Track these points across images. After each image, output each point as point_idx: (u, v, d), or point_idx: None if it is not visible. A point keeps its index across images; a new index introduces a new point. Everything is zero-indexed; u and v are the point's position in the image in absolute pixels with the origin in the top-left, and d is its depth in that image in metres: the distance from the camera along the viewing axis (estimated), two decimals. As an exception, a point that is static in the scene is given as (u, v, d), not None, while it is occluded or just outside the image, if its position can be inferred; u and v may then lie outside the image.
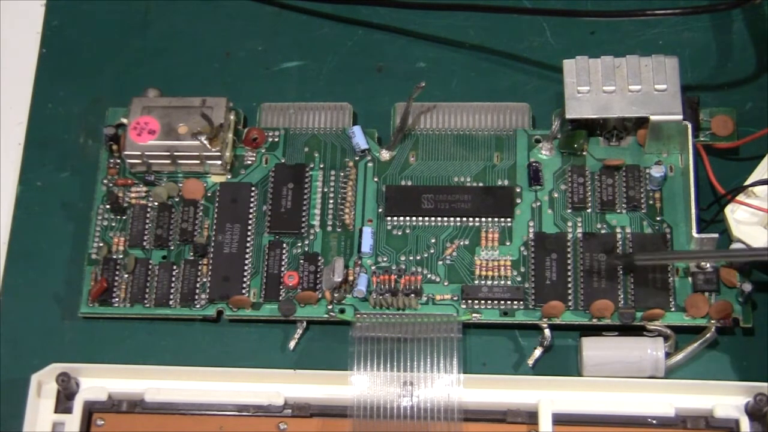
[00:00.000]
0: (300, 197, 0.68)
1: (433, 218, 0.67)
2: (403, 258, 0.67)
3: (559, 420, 0.62)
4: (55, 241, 0.69)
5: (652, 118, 0.66)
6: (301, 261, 0.67)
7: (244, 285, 0.66)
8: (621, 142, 0.68)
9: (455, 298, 0.66)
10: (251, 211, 0.68)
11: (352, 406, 0.62)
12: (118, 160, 0.70)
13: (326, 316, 0.66)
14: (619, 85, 0.66)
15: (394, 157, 0.69)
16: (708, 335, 0.64)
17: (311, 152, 0.70)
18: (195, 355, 0.66)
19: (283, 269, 0.67)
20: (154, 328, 0.67)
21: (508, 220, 0.67)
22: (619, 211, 0.67)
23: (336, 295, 0.66)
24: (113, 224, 0.69)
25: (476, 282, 0.66)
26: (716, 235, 0.64)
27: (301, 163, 0.69)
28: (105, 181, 0.70)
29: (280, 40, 0.75)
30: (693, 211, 0.64)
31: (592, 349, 0.63)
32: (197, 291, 0.67)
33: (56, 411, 0.64)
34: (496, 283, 0.66)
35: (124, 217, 0.69)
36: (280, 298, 0.66)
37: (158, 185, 0.69)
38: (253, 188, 0.69)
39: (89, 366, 0.64)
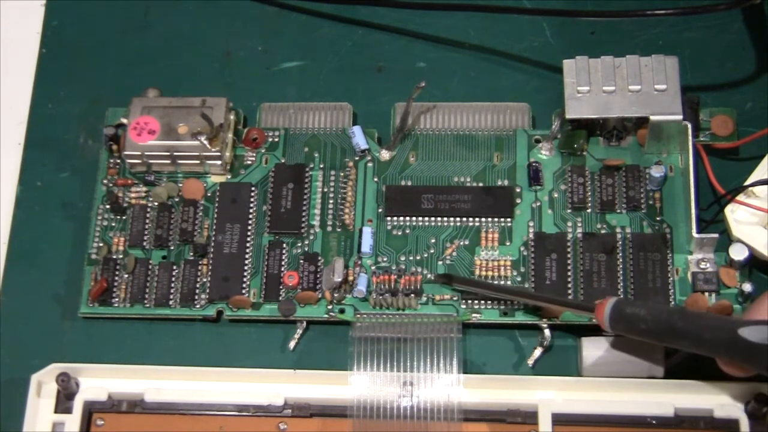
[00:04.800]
0: (300, 197, 0.68)
1: (433, 218, 0.67)
2: (403, 258, 0.67)
3: (558, 420, 0.62)
4: (55, 241, 0.69)
5: (652, 118, 0.66)
6: (301, 261, 0.67)
7: (244, 285, 0.67)
8: (621, 142, 0.68)
9: (455, 298, 0.66)
10: (251, 211, 0.68)
11: (352, 406, 0.62)
12: (118, 160, 0.70)
13: (326, 316, 0.66)
14: (619, 85, 0.66)
15: (394, 157, 0.69)
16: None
17: (311, 152, 0.70)
18: (195, 355, 0.66)
19: (283, 269, 0.67)
20: (154, 328, 0.67)
21: (508, 220, 0.67)
22: (619, 211, 0.67)
23: (336, 295, 0.66)
24: (113, 224, 0.69)
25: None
26: (716, 235, 0.64)
27: (301, 163, 0.69)
28: (105, 181, 0.70)
29: (280, 40, 0.75)
30: (693, 211, 0.64)
31: (592, 349, 0.63)
32: (197, 291, 0.67)
33: (56, 411, 0.64)
34: (496, 283, 0.66)
35: (124, 217, 0.69)
36: (280, 298, 0.66)
37: (158, 185, 0.69)
38: (253, 188, 0.69)
39: (89, 366, 0.64)
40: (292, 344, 0.66)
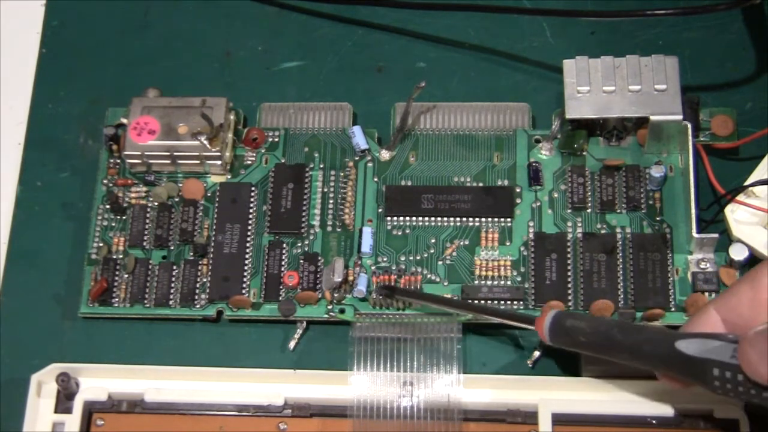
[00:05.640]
0: (300, 197, 0.68)
1: (433, 218, 0.67)
2: (403, 258, 0.67)
3: (558, 420, 0.62)
4: (55, 241, 0.69)
5: (652, 118, 0.66)
6: (301, 261, 0.67)
7: (244, 285, 0.67)
8: (621, 142, 0.68)
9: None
10: (251, 211, 0.68)
11: (352, 406, 0.62)
12: (118, 160, 0.70)
13: (326, 316, 0.66)
14: (619, 85, 0.66)
15: (394, 157, 0.69)
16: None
17: (311, 152, 0.70)
18: (195, 355, 0.66)
19: (283, 269, 0.67)
20: (154, 328, 0.67)
21: (508, 220, 0.67)
22: (619, 211, 0.67)
23: (336, 295, 0.66)
24: (113, 224, 0.69)
25: (476, 282, 0.66)
26: (716, 235, 0.64)
27: (301, 163, 0.69)
28: (105, 181, 0.70)
29: (280, 40, 0.75)
30: (693, 211, 0.64)
31: (592, 349, 0.63)
32: (197, 291, 0.67)
33: (56, 411, 0.64)
34: (496, 283, 0.66)
35: (124, 217, 0.69)
36: (280, 298, 0.66)
37: (158, 185, 0.69)
38: (253, 188, 0.69)
39: (89, 366, 0.64)
40: (292, 344, 0.66)
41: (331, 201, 0.68)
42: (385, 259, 0.67)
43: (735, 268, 0.64)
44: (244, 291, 0.66)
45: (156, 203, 0.69)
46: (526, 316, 0.62)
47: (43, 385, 0.64)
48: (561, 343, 0.59)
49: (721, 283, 0.64)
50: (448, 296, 0.65)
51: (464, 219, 0.67)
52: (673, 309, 0.64)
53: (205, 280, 0.67)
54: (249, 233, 0.68)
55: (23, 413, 0.63)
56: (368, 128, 0.70)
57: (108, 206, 0.69)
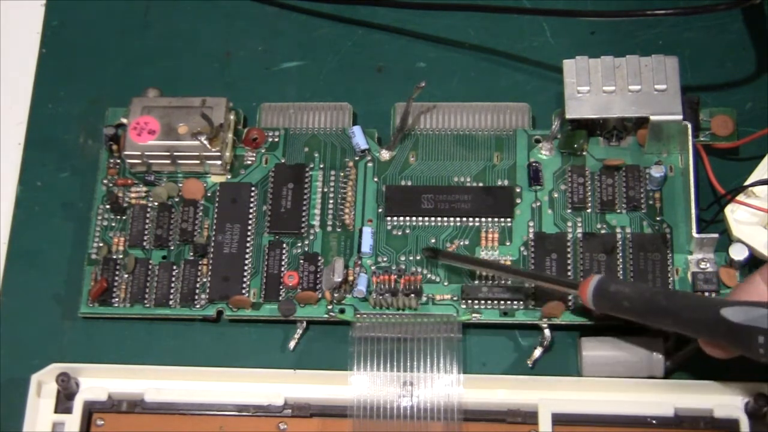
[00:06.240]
0: (300, 197, 0.68)
1: (433, 218, 0.67)
2: (403, 258, 0.67)
3: (558, 420, 0.62)
4: (55, 241, 0.69)
5: (652, 118, 0.66)
6: (301, 261, 0.67)
7: (244, 285, 0.67)
8: (621, 142, 0.68)
9: (455, 298, 0.66)
10: (251, 211, 0.68)
11: (352, 406, 0.62)
12: (118, 160, 0.70)
13: (326, 316, 0.66)
14: (619, 85, 0.66)
15: (394, 157, 0.69)
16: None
17: (311, 152, 0.70)
18: (195, 355, 0.66)
19: (283, 269, 0.67)
20: (154, 328, 0.67)
21: (508, 220, 0.67)
22: (619, 211, 0.67)
23: (336, 295, 0.66)
24: (113, 224, 0.69)
25: (476, 282, 0.66)
26: (716, 235, 0.64)
27: (301, 163, 0.69)
28: (105, 181, 0.70)
29: (280, 40, 0.75)
30: (693, 211, 0.64)
31: (592, 349, 0.63)
32: (197, 291, 0.67)
33: (56, 411, 0.64)
34: (496, 283, 0.66)
35: (124, 217, 0.69)
36: (280, 298, 0.66)
37: (158, 185, 0.69)
38: (253, 188, 0.69)
39: (89, 366, 0.64)
40: (292, 344, 0.66)
41: (331, 201, 0.68)
42: (385, 259, 0.67)
43: (735, 268, 0.64)
44: (244, 291, 0.66)
45: (156, 203, 0.69)
46: (570, 281, 0.63)
47: (43, 385, 0.64)
48: (604, 308, 0.60)
49: (721, 283, 0.64)
50: (496, 260, 0.66)
51: (464, 219, 0.67)
52: (673, 309, 0.64)
53: (205, 280, 0.67)
54: (249, 233, 0.68)
55: (23, 413, 0.63)
56: (368, 128, 0.70)
57: (108, 206, 0.69)
